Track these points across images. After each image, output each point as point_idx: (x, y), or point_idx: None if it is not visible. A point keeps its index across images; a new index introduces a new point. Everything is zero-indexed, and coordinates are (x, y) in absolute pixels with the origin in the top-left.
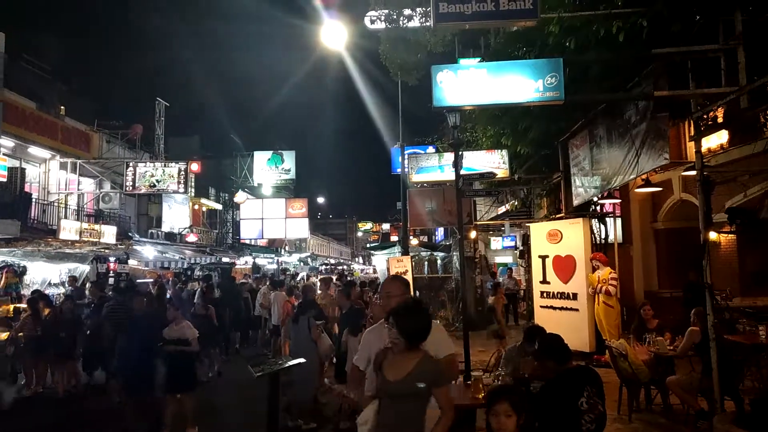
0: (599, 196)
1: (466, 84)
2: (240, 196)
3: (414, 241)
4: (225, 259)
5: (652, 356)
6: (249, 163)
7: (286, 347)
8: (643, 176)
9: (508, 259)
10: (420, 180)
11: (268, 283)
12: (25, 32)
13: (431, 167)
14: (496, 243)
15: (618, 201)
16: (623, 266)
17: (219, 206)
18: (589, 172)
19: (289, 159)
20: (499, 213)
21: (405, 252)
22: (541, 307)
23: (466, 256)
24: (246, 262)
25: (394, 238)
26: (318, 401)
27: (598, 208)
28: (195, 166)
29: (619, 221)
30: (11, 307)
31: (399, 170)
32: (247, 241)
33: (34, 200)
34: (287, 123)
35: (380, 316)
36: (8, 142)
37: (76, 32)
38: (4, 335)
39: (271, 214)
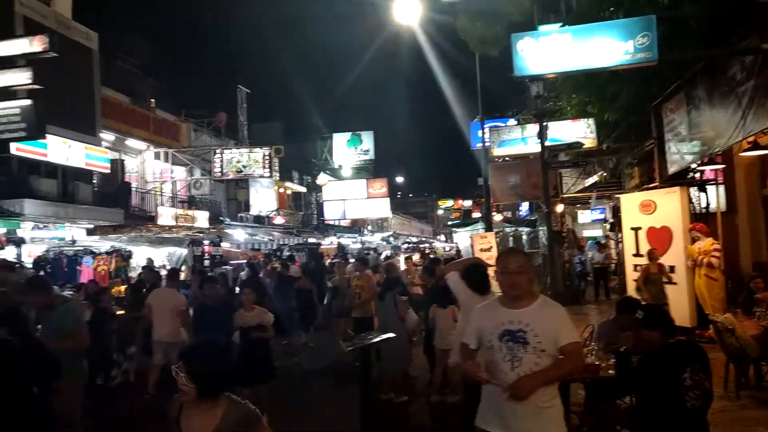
0: (698, 162)
1: (549, 51)
2: (322, 179)
3: (497, 217)
4: (311, 240)
5: (763, 330)
6: (329, 146)
7: (375, 322)
8: (751, 138)
9: (597, 232)
10: (502, 154)
11: (353, 261)
12: (116, 32)
13: (513, 140)
14: (584, 216)
15: (720, 167)
16: (727, 237)
17: (303, 189)
18: (686, 137)
19: (368, 140)
20: (586, 185)
21: (488, 228)
22: (635, 280)
23: (553, 231)
24: (331, 243)
25: (476, 214)
26: (409, 375)
27: (698, 175)
28: (279, 151)
29: (722, 188)
30: (122, 288)
31: (479, 145)
32: (331, 222)
33: (133, 189)
34: (364, 103)
35: None
36: (109, 136)
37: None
38: (120, 312)
39: (352, 194)
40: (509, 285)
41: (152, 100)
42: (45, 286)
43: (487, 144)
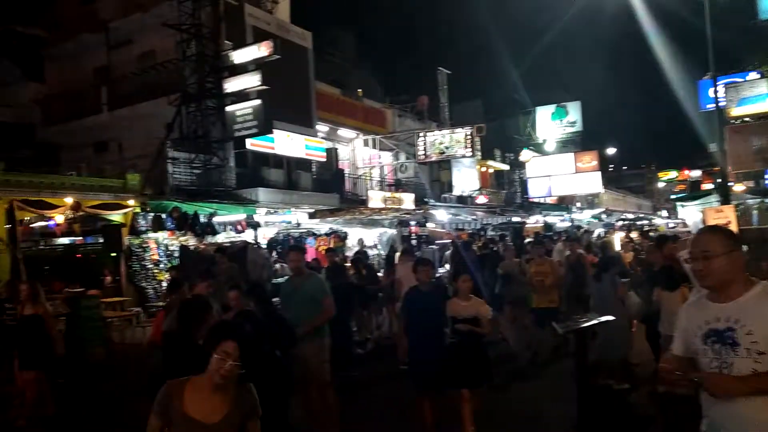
0: None
1: None
2: (525, 155)
3: (737, 187)
4: (515, 219)
5: None
6: (532, 120)
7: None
8: None
9: None
10: (741, 114)
11: (564, 238)
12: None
13: (757, 97)
14: None
15: None
16: None
17: (505, 167)
18: None
19: (574, 111)
20: None
21: (725, 201)
22: None
23: None
24: (536, 221)
25: (707, 185)
26: (629, 362)
27: None
28: (480, 129)
29: None
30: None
31: (710, 106)
32: (536, 200)
33: (346, 175)
34: (567, 73)
35: None
36: (323, 127)
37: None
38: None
39: (558, 170)
40: (696, 275)
41: (359, 90)
42: (303, 250)
43: (721, 104)
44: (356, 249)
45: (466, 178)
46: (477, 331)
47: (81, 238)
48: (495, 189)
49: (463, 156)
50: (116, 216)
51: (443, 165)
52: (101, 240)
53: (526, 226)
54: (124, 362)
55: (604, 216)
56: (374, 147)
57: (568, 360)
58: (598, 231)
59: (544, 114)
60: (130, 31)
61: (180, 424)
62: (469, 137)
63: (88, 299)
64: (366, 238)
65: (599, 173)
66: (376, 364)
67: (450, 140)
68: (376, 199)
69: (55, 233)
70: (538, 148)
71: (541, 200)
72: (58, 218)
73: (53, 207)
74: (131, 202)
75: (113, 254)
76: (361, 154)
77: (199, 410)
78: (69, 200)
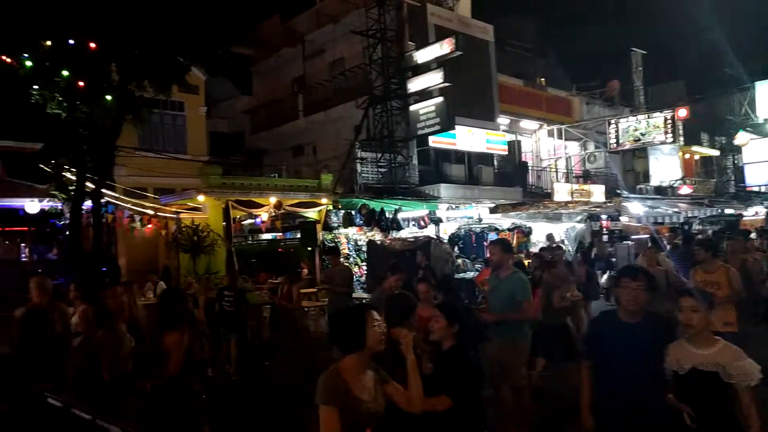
0: None
1: None
2: (741, 137)
3: None
4: (728, 211)
5: None
6: (749, 97)
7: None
8: None
9: None
10: None
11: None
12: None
13: None
14: None
15: None
16: None
17: (714, 152)
18: None
19: None
20: None
21: None
22: None
23: None
24: (756, 213)
25: None
26: None
27: None
28: (682, 112)
29: None
30: (526, 262)
31: None
32: (756, 188)
33: (529, 168)
34: None
35: None
36: (505, 120)
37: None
38: None
39: None
40: None
41: (542, 79)
42: (503, 244)
43: None
44: (544, 245)
45: (665, 167)
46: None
47: (281, 233)
48: (702, 178)
49: (662, 143)
50: (312, 213)
51: (638, 153)
52: (299, 235)
53: (743, 218)
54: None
55: None
56: (560, 137)
57: None
58: None
59: (766, 89)
60: (323, 41)
61: (349, 406)
62: (669, 122)
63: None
64: (553, 233)
65: None
66: None
67: (646, 126)
68: (562, 191)
69: (261, 229)
70: (758, 129)
71: (763, 188)
72: (264, 216)
73: (260, 206)
74: (324, 200)
75: (309, 248)
76: (545, 145)
77: (360, 389)
78: (273, 200)
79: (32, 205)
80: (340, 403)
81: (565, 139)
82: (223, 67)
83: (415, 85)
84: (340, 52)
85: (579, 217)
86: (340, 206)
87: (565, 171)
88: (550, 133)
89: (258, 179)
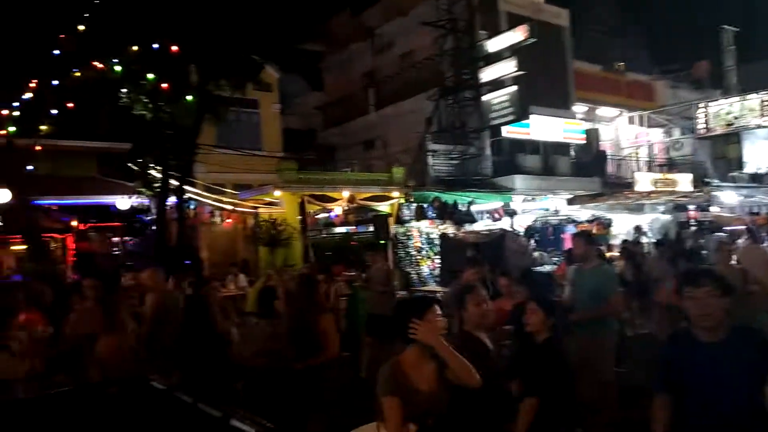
0: None
1: None
2: None
3: None
4: None
5: None
6: None
7: None
8: None
9: None
10: None
11: None
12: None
13: None
14: None
15: None
16: None
17: None
18: None
19: None
20: None
21: None
22: None
23: None
24: None
25: None
26: None
27: None
28: None
29: None
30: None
31: None
32: None
33: (608, 157)
34: None
35: None
36: (581, 108)
37: None
38: None
39: None
40: None
41: (621, 63)
42: (585, 236)
43: None
44: (628, 237)
45: (761, 152)
46: None
47: (354, 227)
48: None
49: (758, 126)
50: (384, 207)
51: (731, 139)
52: (371, 229)
53: None
54: None
55: None
56: (641, 124)
57: None
58: None
59: None
60: (392, 34)
61: (409, 396)
62: (765, 103)
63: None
64: (635, 224)
65: None
66: None
67: (740, 109)
68: (644, 181)
69: (334, 223)
70: None
71: None
72: (337, 210)
73: (333, 200)
74: (396, 193)
75: (382, 242)
76: (625, 133)
77: (420, 380)
78: (346, 194)
79: (123, 202)
80: (400, 393)
81: (648, 126)
82: (296, 64)
83: (487, 74)
84: (409, 45)
85: (663, 208)
86: (412, 199)
87: (648, 159)
88: (631, 120)
89: (331, 174)
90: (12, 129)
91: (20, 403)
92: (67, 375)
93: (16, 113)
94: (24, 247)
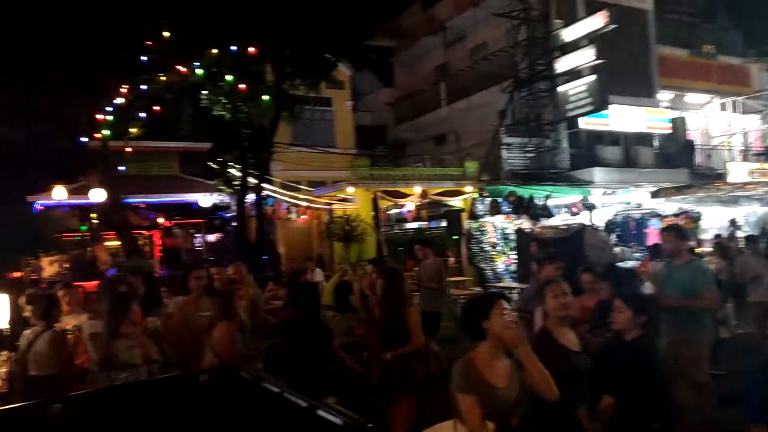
0: None
1: None
2: None
3: None
4: None
5: None
6: None
7: None
8: None
9: None
10: None
11: None
12: None
13: None
14: None
15: None
16: None
17: None
18: None
19: None
20: None
21: None
22: None
23: None
24: None
25: None
26: None
27: None
28: None
29: None
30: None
31: None
32: None
33: (697, 147)
34: None
35: None
36: (666, 95)
37: None
38: None
39: None
40: None
41: (710, 46)
42: (677, 231)
43: None
44: (720, 231)
45: None
46: None
47: (427, 222)
48: None
49: None
50: (457, 202)
51: None
52: (444, 224)
53: None
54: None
55: None
56: (734, 111)
57: None
58: None
59: None
60: (464, 27)
61: (485, 393)
62: None
63: None
64: (727, 218)
65: None
66: None
67: None
68: (738, 172)
69: (406, 218)
70: None
71: None
72: (409, 205)
73: (405, 196)
74: (469, 188)
75: (455, 237)
76: (716, 120)
77: (494, 376)
78: (418, 189)
79: (205, 199)
80: (475, 391)
81: (742, 113)
82: (367, 61)
83: (563, 64)
84: (481, 37)
85: (760, 201)
86: (486, 194)
87: (742, 148)
88: (723, 107)
89: (403, 169)
90: (106, 133)
91: (117, 389)
92: (184, 363)
93: (110, 117)
94: (117, 243)
